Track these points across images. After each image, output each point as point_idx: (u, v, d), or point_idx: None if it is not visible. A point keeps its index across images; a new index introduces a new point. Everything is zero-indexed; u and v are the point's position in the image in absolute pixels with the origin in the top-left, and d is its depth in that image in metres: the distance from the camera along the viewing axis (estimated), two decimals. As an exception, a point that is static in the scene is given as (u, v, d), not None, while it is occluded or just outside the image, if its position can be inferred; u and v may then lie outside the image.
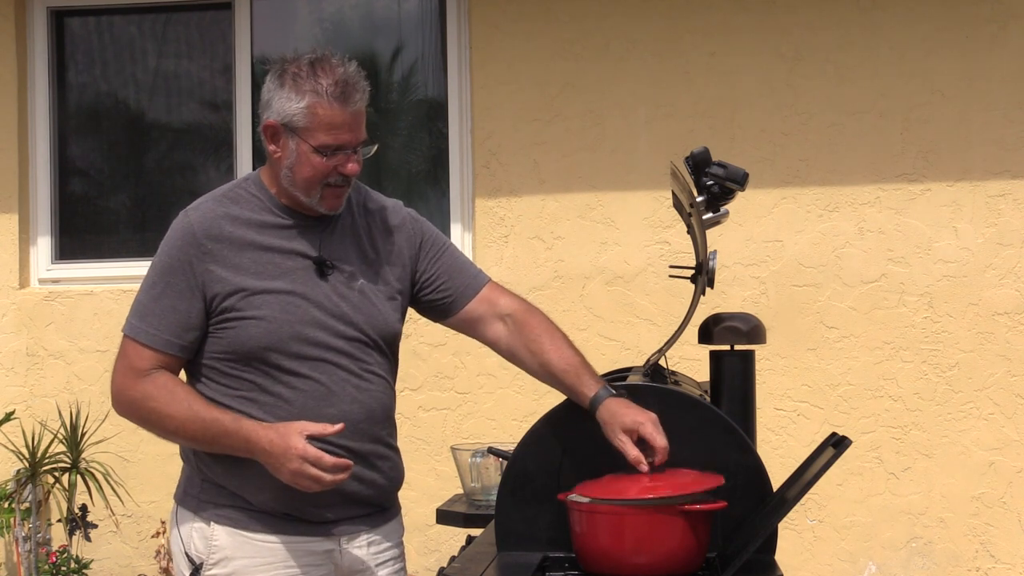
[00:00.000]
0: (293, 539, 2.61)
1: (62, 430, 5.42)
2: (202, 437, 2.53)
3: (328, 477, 2.45)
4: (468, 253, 5.46)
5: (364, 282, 2.66)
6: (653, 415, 2.47)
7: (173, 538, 2.68)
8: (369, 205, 2.76)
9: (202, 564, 2.60)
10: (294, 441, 2.45)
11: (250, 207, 2.62)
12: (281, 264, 2.59)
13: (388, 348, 2.70)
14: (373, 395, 2.64)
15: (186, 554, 2.62)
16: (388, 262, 2.72)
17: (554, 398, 2.66)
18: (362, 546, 2.68)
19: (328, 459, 2.45)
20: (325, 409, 2.57)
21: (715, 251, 2.75)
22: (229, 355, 2.57)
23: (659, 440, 2.42)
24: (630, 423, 2.45)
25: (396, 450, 2.74)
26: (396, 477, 2.74)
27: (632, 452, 2.43)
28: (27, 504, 5.37)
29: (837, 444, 2.37)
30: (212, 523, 2.60)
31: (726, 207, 2.84)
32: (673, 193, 3.03)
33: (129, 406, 2.59)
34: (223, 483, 2.60)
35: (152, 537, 5.44)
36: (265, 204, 2.63)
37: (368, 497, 2.66)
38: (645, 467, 2.41)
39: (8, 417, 5.39)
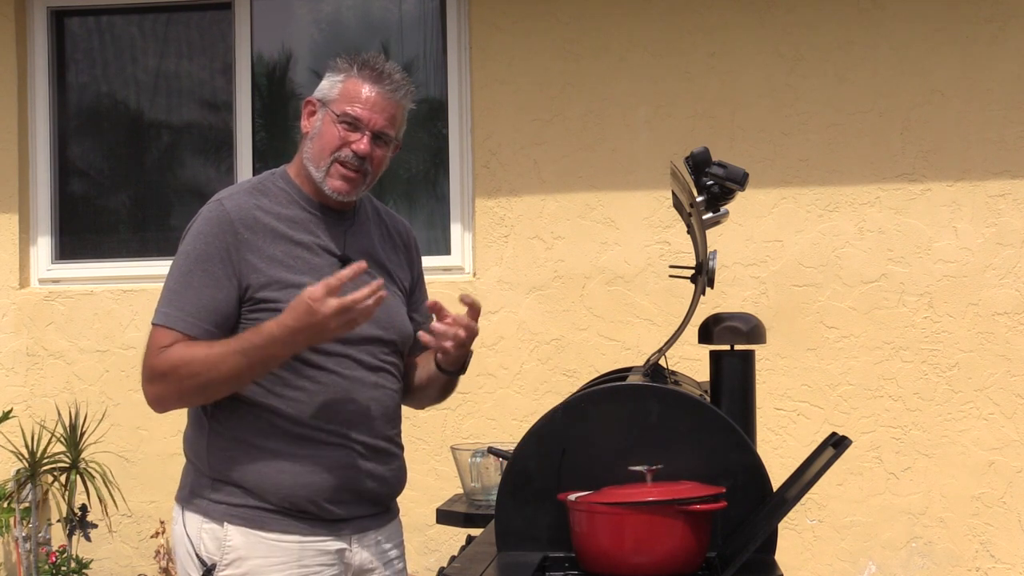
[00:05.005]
0: (307, 539, 2.62)
1: (61, 430, 5.42)
2: (246, 365, 2.49)
3: (365, 292, 2.44)
4: (468, 253, 5.47)
5: (385, 283, 2.68)
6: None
7: (179, 540, 2.67)
8: (383, 215, 2.85)
9: (215, 565, 2.60)
10: (308, 292, 2.44)
11: (278, 200, 2.66)
12: (310, 260, 2.63)
13: (402, 348, 2.77)
14: (388, 393, 2.70)
15: (196, 556, 2.62)
16: (399, 267, 2.82)
17: (554, 398, 2.66)
18: (371, 545, 2.72)
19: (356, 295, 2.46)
20: (345, 404, 2.62)
21: (715, 251, 2.75)
22: None
23: (468, 298, 2.63)
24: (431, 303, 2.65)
25: (402, 450, 2.79)
26: (401, 478, 2.79)
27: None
28: (27, 504, 5.37)
29: (837, 444, 2.36)
30: (225, 523, 2.60)
31: (726, 207, 2.85)
32: (673, 193, 3.03)
33: (163, 379, 2.53)
34: (238, 481, 2.60)
35: (152, 537, 5.44)
36: (292, 197, 2.67)
37: (379, 494, 2.71)
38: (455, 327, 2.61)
39: (7, 416, 5.39)
